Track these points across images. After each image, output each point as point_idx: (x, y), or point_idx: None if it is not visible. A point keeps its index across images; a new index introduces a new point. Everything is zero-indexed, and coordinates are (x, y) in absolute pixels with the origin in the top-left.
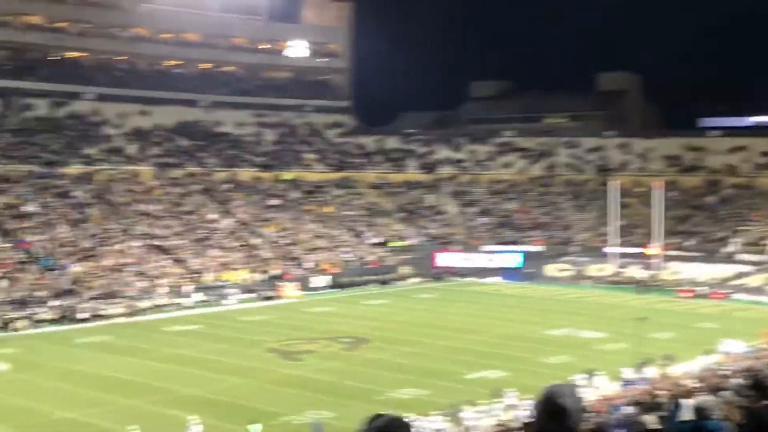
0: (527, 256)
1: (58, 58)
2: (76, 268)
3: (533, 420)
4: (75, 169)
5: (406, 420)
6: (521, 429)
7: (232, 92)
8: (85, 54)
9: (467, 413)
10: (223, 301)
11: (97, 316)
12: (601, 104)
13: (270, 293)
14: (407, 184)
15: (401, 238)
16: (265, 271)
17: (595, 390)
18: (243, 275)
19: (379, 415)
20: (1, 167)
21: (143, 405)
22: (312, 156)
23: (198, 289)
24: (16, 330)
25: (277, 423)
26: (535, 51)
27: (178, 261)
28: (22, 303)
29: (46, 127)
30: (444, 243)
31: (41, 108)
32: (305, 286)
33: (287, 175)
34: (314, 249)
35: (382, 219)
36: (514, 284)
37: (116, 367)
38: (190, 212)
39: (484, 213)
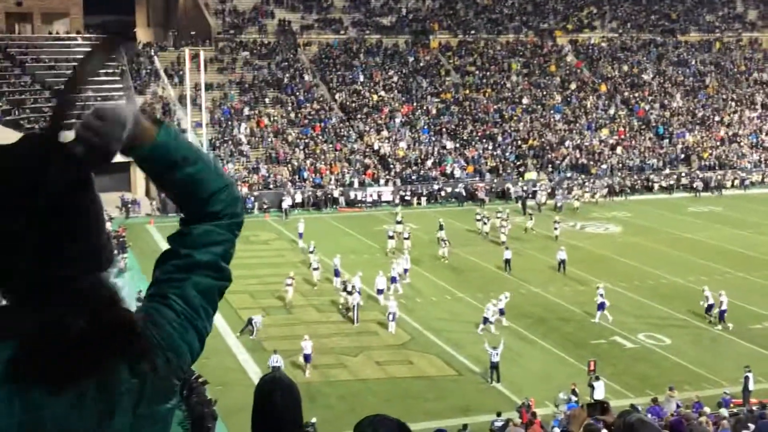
0: None
1: None
2: (689, 137)
3: None
4: (693, 36)
5: None
6: None
7: None
8: None
9: None
10: None
11: (708, 187)
12: None
13: None
14: None
15: None
16: None
17: None
18: None
19: None
20: (622, 36)
21: (749, 278)
22: None
23: None
24: (645, 194)
25: None
26: None
27: None
28: (636, 170)
29: None
30: None
31: None
32: None
33: None
34: None
35: None
36: None
37: (725, 238)
38: None
39: None
